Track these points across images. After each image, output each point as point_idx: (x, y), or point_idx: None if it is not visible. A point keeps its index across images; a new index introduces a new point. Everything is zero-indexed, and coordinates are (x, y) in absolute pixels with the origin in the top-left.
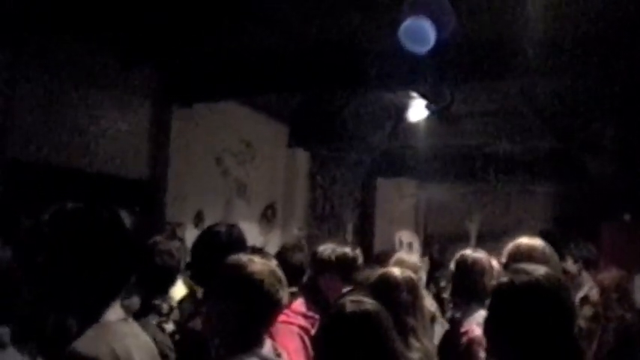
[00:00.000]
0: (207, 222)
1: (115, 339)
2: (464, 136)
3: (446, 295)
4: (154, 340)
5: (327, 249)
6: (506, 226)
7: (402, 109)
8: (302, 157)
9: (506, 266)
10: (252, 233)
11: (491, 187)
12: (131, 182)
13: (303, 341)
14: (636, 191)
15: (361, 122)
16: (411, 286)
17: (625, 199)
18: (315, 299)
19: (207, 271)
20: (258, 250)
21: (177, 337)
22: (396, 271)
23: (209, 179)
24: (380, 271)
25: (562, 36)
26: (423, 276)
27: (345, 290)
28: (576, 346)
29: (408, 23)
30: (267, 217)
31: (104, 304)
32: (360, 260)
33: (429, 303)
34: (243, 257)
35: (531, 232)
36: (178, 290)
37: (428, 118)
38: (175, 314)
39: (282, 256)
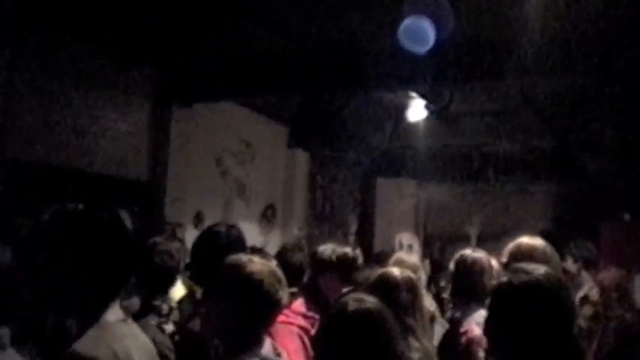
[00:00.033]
0: (207, 222)
1: (115, 340)
2: (463, 136)
3: (445, 295)
4: (154, 341)
5: (327, 249)
6: (506, 226)
7: (402, 109)
8: (302, 157)
9: (506, 266)
10: (252, 233)
11: (490, 186)
12: (131, 182)
13: (303, 341)
14: (636, 191)
15: (361, 122)
16: (411, 286)
17: (625, 199)
18: (315, 299)
19: (206, 272)
20: (257, 251)
21: (176, 337)
22: (395, 271)
23: (209, 179)
24: (379, 271)
25: (561, 36)
26: (423, 276)
27: (344, 290)
28: (576, 345)
29: (407, 23)
30: (267, 217)
31: (104, 305)
32: (360, 260)
33: (429, 303)
34: (242, 257)
35: (531, 232)
36: (177, 291)
37: (427, 118)
38: (175, 315)
39: (282, 257)
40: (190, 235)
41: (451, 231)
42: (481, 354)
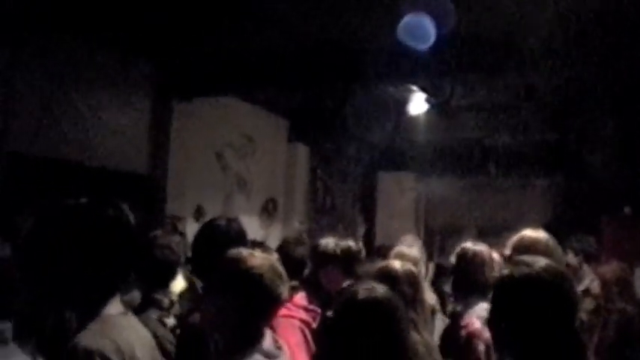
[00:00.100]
0: (208, 216)
1: (117, 333)
2: (464, 130)
3: (447, 288)
4: (155, 335)
5: (330, 242)
6: (506, 220)
7: (402, 103)
8: (302, 151)
9: (509, 258)
10: (253, 227)
11: (491, 180)
12: (131, 176)
13: (305, 335)
14: (636, 184)
15: (361, 116)
16: (412, 279)
17: (625, 193)
18: (317, 293)
19: (207, 265)
20: (258, 244)
21: (178, 331)
22: (396, 264)
23: (209, 174)
24: (380, 264)
25: (562, 30)
26: (423, 269)
27: (346, 283)
28: (578, 338)
29: (408, 20)
30: (268, 211)
31: (105, 299)
32: (363, 253)
33: (430, 296)
34: (243, 251)
35: (531, 225)
36: (178, 284)
37: (428, 111)
38: (176, 308)
39: (283, 250)
40: (191, 229)
41: (451, 224)
42: (481, 347)
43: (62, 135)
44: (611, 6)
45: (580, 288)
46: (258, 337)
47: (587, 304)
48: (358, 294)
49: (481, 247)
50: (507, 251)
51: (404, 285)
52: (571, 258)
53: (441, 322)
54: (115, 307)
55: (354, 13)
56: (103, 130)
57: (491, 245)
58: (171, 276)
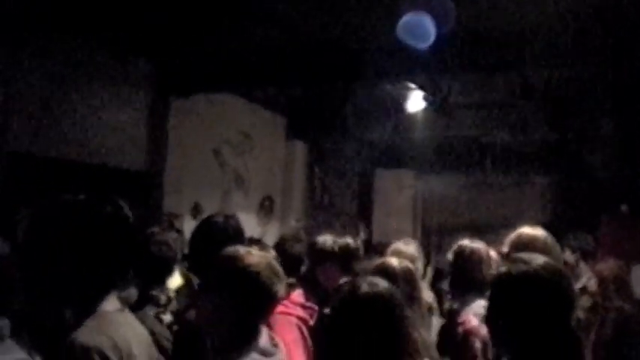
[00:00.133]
0: (205, 213)
1: (114, 329)
2: (462, 128)
3: (445, 286)
4: (152, 331)
5: (328, 239)
6: (504, 217)
7: (400, 100)
8: (300, 148)
9: (507, 256)
10: (251, 224)
11: (489, 178)
12: (128, 173)
13: (302, 332)
14: (634, 183)
15: (359, 114)
16: (409, 277)
17: (622, 191)
18: (314, 290)
19: (204, 262)
20: (256, 242)
21: (175, 328)
22: (393, 261)
23: (207, 170)
24: (378, 261)
25: (560, 27)
26: (420, 266)
27: (343, 280)
28: (574, 336)
29: (407, 19)
30: (265, 208)
31: (102, 295)
32: (362, 251)
33: (427, 294)
34: (240, 249)
35: (529, 223)
36: (174, 281)
37: (426, 109)
38: (173, 305)
39: (281, 247)
40: (188, 226)
41: (449, 222)
42: (478, 344)
43: (60, 133)
44: (611, 4)
45: (577, 286)
46: (255, 334)
47: (585, 301)
48: (360, 288)
49: (478, 245)
50: (505, 249)
51: (401, 282)
52: (568, 256)
53: (435, 321)
54: (111, 304)
55: (353, 12)
56: (101, 128)
57: (489, 243)
58: (168, 273)
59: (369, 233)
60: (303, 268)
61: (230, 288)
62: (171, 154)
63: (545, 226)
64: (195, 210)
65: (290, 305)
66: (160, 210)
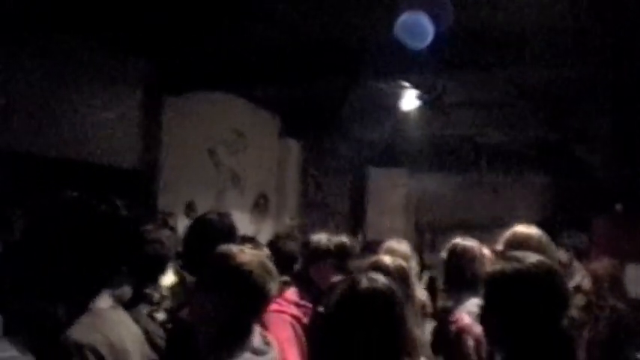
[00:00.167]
0: (200, 212)
1: (108, 327)
2: (456, 127)
3: (438, 284)
4: (146, 330)
5: (323, 238)
6: (498, 216)
7: (394, 99)
8: (294, 147)
9: (501, 254)
10: (245, 223)
11: (483, 177)
12: (123, 172)
13: (295, 330)
14: (628, 181)
15: (353, 113)
16: (403, 275)
17: (616, 190)
18: (308, 288)
19: (198, 261)
20: (249, 240)
21: (168, 326)
22: (387, 259)
23: (201, 169)
24: (371, 259)
25: (556, 26)
26: (414, 265)
27: (336, 279)
28: (567, 334)
29: (405, 18)
30: (260, 206)
31: (95, 293)
32: (356, 249)
33: (420, 293)
34: (233, 248)
35: (523, 222)
36: (168, 279)
37: (420, 108)
38: (167, 303)
39: (274, 245)
40: (182, 225)
41: (442, 220)
42: (471, 342)
43: (55, 132)
44: (609, 4)
45: (571, 285)
46: (248, 333)
47: (579, 300)
48: (360, 284)
49: (471, 243)
50: (500, 247)
51: (395, 280)
52: (562, 255)
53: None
54: (104, 301)
55: (347, 11)
56: (95, 127)
57: (483, 241)
58: (162, 271)
59: (363, 232)
60: (297, 267)
61: (223, 286)
62: (165, 152)
63: (539, 225)
64: (190, 208)
65: (284, 303)
66: (155, 208)
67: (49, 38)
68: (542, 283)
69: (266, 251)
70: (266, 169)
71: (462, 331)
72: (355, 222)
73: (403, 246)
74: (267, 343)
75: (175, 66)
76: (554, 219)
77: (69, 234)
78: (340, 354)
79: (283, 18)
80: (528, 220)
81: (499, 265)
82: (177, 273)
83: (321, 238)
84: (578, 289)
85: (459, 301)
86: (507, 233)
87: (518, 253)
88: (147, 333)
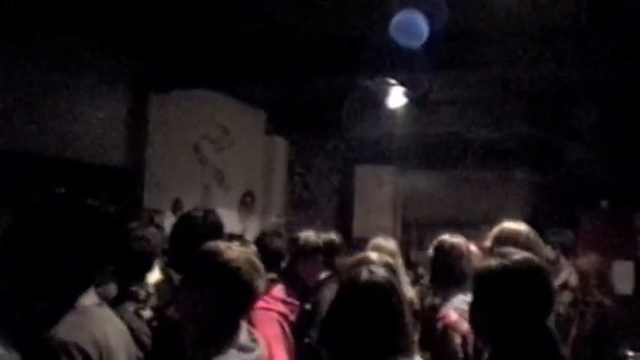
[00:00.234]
0: (186, 209)
1: (94, 325)
2: (442, 124)
3: (424, 281)
4: (131, 327)
5: (312, 235)
6: (485, 213)
7: (381, 96)
8: (280, 144)
9: (490, 250)
10: (231, 221)
11: (469, 174)
12: (109, 169)
13: (283, 327)
14: (614, 178)
15: (339, 110)
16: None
17: (603, 187)
18: (294, 285)
19: (184, 258)
20: (237, 238)
21: (154, 323)
22: (373, 255)
23: (187, 166)
24: (358, 256)
25: (541, 24)
26: (400, 262)
27: (323, 276)
28: (550, 330)
29: (399, 17)
30: (246, 204)
31: (80, 290)
32: (344, 246)
33: (408, 290)
34: (220, 244)
35: (510, 219)
36: (153, 276)
37: (406, 105)
38: (153, 301)
39: (261, 242)
40: (169, 223)
41: (430, 218)
42: (457, 339)
43: (40, 129)
44: (596, 3)
45: (558, 281)
46: (235, 330)
47: (566, 296)
48: (360, 276)
49: (458, 240)
50: (488, 243)
51: None
52: (549, 251)
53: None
54: (89, 299)
55: (334, 8)
56: (81, 124)
57: (470, 238)
58: (148, 268)
59: (349, 229)
60: (284, 264)
61: (210, 283)
62: (151, 150)
63: (526, 222)
64: (176, 206)
65: (271, 301)
66: (141, 206)
67: (34, 37)
68: (527, 280)
69: (253, 248)
70: (252, 167)
71: (448, 328)
72: (342, 220)
73: (390, 243)
74: (254, 340)
75: (162, 64)
76: (540, 216)
77: (54, 231)
78: (340, 344)
79: (271, 16)
80: (515, 217)
81: (486, 262)
82: (162, 270)
83: (309, 235)
84: (565, 285)
85: (445, 297)
86: (495, 230)
87: (505, 250)
88: (132, 330)
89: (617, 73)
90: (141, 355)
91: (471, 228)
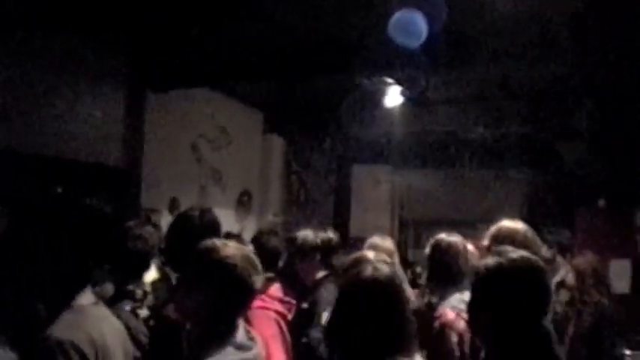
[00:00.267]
0: (183, 209)
1: (91, 324)
2: (438, 123)
3: (421, 280)
4: (128, 326)
5: (310, 234)
6: (482, 212)
7: (377, 95)
8: (277, 143)
9: (488, 249)
10: (228, 220)
11: (465, 173)
12: (105, 169)
13: (280, 326)
14: (610, 177)
15: (336, 109)
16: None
17: (599, 185)
18: (292, 284)
19: (180, 257)
20: (234, 237)
21: (151, 322)
22: (370, 254)
23: (184, 166)
24: (354, 255)
25: (537, 23)
26: (397, 261)
27: (321, 275)
28: (546, 329)
29: (398, 17)
30: (243, 203)
31: (77, 289)
32: (341, 245)
33: (406, 288)
34: (216, 242)
35: (507, 218)
36: (149, 274)
37: (403, 104)
38: (149, 300)
39: (258, 241)
40: (166, 222)
41: (426, 217)
42: (454, 338)
43: (36, 128)
44: (591, 2)
45: (555, 280)
46: (232, 329)
47: (563, 295)
48: (363, 272)
49: (455, 238)
50: (485, 242)
51: None
52: (545, 251)
53: None
54: (86, 298)
55: (331, 7)
56: (78, 123)
57: (467, 237)
58: (145, 267)
59: (346, 228)
60: (281, 263)
61: (208, 280)
62: (148, 149)
63: (523, 221)
64: (173, 205)
65: (268, 300)
66: (138, 205)
67: (32, 37)
68: (525, 279)
69: (250, 247)
70: (250, 166)
71: (445, 327)
72: (339, 219)
73: (387, 242)
74: (251, 339)
75: (159, 63)
76: (537, 214)
77: (52, 231)
78: (346, 341)
79: (268, 15)
80: (512, 216)
81: (484, 260)
82: (159, 269)
83: (307, 234)
84: (561, 284)
85: (443, 296)
86: (493, 228)
87: (502, 249)
88: (129, 329)
89: (615, 72)
90: (138, 354)
91: (469, 227)
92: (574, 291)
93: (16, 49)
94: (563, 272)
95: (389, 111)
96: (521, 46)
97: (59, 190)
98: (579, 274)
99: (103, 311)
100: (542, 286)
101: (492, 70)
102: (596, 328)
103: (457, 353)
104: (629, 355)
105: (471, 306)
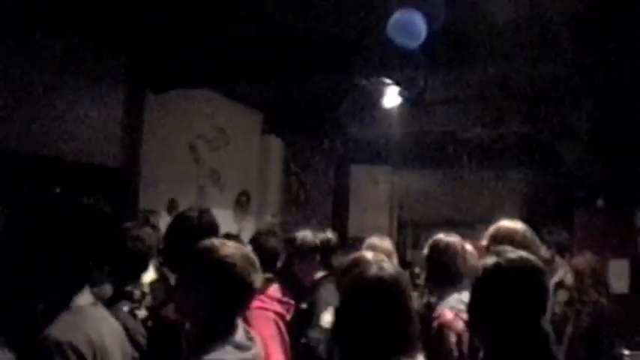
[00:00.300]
0: (181, 209)
1: (89, 324)
2: (437, 123)
3: (419, 281)
4: (126, 327)
5: (309, 234)
6: (480, 212)
7: (376, 96)
8: (276, 144)
9: (487, 249)
10: (227, 221)
11: (464, 173)
12: (104, 169)
13: (279, 327)
14: (609, 177)
15: (335, 110)
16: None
17: (598, 186)
18: (290, 285)
19: (179, 257)
20: (233, 237)
21: (149, 323)
22: (368, 254)
23: (182, 166)
24: (353, 255)
25: (536, 23)
26: (396, 261)
27: (320, 275)
28: (545, 328)
29: (397, 17)
30: (241, 204)
31: (75, 290)
32: (339, 245)
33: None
34: (215, 241)
35: (506, 218)
36: (148, 275)
37: (401, 104)
38: (148, 300)
39: (256, 242)
40: (164, 223)
41: (425, 217)
42: (452, 338)
43: (35, 129)
44: (591, 2)
45: (554, 280)
46: (231, 328)
47: (561, 295)
48: (367, 271)
49: (453, 239)
50: (484, 242)
51: None
52: (544, 251)
53: None
54: (85, 298)
55: (330, 7)
56: (76, 124)
57: (466, 237)
58: (143, 268)
59: (345, 229)
60: (279, 263)
61: (207, 280)
62: (146, 150)
63: (522, 221)
64: (172, 206)
65: (267, 300)
66: (136, 206)
67: (31, 37)
68: (523, 279)
69: (249, 248)
70: (248, 167)
71: (444, 327)
72: (338, 219)
73: (385, 243)
74: (250, 339)
75: (158, 63)
76: (536, 215)
77: (50, 231)
78: (351, 340)
79: (267, 16)
80: (510, 216)
81: (483, 260)
82: (157, 270)
83: (306, 234)
84: (560, 284)
85: (441, 297)
86: (492, 228)
87: (501, 249)
88: (127, 330)
89: (615, 72)
90: (136, 354)
91: (467, 227)
92: (573, 291)
93: (16, 49)
94: (562, 272)
95: (388, 111)
96: (521, 46)
97: (57, 190)
98: (578, 274)
99: (102, 312)
100: (541, 286)
101: (491, 70)
102: (594, 328)
103: (455, 353)
104: (627, 355)
105: (471, 305)
